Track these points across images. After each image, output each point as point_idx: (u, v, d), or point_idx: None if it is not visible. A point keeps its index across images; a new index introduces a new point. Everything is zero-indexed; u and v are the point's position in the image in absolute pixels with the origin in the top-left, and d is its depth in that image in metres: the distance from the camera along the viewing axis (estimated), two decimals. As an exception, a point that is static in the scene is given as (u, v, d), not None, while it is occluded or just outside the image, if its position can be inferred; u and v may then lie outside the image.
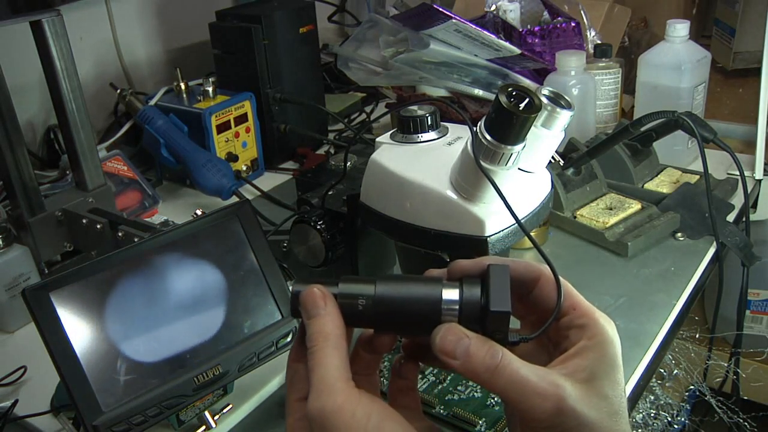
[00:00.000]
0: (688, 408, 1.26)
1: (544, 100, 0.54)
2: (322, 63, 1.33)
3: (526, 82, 1.23)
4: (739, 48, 1.42)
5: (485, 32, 1.16)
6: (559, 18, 1.27)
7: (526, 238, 0.91)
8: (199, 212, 0.83)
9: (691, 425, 1.22)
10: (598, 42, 1.25)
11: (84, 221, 0.85)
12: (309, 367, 0.40)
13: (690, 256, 0.91)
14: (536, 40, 1.25)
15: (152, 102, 1.17)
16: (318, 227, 0.70)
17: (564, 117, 0.55)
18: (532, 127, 0.53)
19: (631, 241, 0.91)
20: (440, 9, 1.16)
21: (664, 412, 1.10)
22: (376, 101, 1.47)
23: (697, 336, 1.13)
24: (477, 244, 0.57)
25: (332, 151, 1.26)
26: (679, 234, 0.95)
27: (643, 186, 1.04)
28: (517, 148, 0.49)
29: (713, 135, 0.91)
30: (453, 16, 1.15)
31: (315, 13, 1.25)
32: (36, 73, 0.87)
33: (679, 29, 1.08)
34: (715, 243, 0.92)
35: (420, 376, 0.72)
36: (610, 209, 0.97)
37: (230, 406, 0.68)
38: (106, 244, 0.83)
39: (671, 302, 0.83)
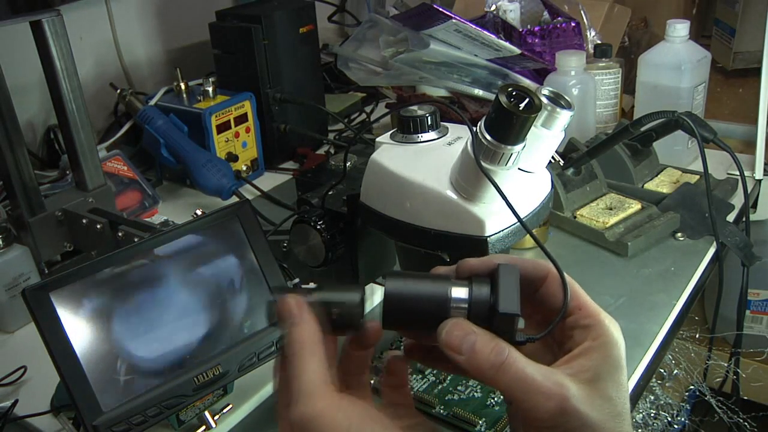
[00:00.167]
0: (688, 408, 1.26)
1: (544, 100, 0.54)
2: (322, 63, 1.33)
3: (526, 82, 1.23)
4: (739, 48, 1.42)
5: (485, 32, 1.16)
6: (559, 18, 1.27)
7: (526, 238, 0.91)
8: (199, 212, 0.83)
9: (691, 425, 1.22)
10: (598, 42, 1.25)
11: (84, 221, 0.85)
12: (289, 375, 0.41)
13: (690, 256, 0.91)
14: (536, 40, 1.25)
15: (152, 102, 1.17)
16: (318, 227, 0.70)
17: (564, 117, 0.55)
18: (532, 127, 0.53)
19: (631, 241, 0.91)
20: (440, 9, 1.16)
21: (664, 412, 1.10)
22: (376, 101, 1.47)
23: (697, 336, 1.13)
24: (477, 244, 0.57)
25: (332, 151, 1.26)
26: (679, 234, 0.95)
27: (643, 186, 1.04)
28: (517, 148, 0.49)
29: (713, 135, 0.91)
30: (453, 16, 1.15)
31: (315, 13, 1.25)
32: (36, 73, 0.87)
33: (679, 29, 1.08)
34: (715, 243, 0.92)
35: (420, 376, 0.72)
36: (610, 209, 0.97)
37: (230, 406, 0.68)
38: (106, 244, 0.83)
39: (671, 302, 0.83)
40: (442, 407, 0.68)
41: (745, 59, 1.43)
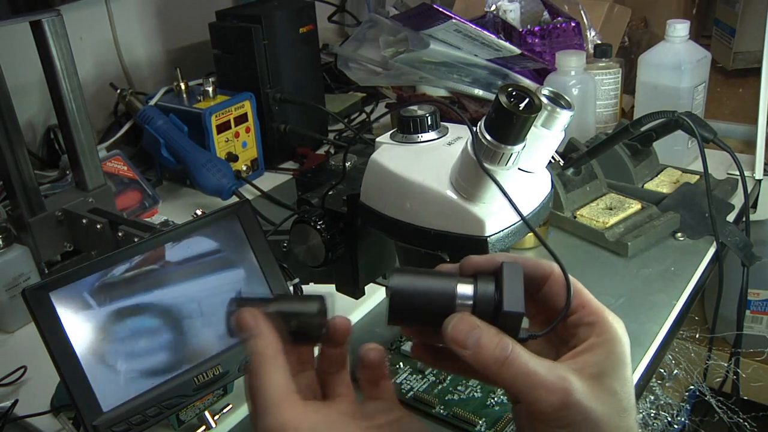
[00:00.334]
0: (688, 408, 1.26)
1: (544, 100, 0.54)
2: (322, 63, 1.33)
3: (526, 82, 1.23)
4: (739, 48, 1.42)
5: (485, 32, 1.16)
6: (559, 18, 1.27)
7: (526, 238, 0.91)
8: (199, 212, 0.83)
9: (691, 425, 1.22)
10: (598, 42, 1.25)
11: (84, 221, 0.85)
12: (251, 387, 0.41)
13: (690, 256, 0.91)
14: (536, 40, 1.25)
15: (152, 102, 1.17)
16: (318, 227, 0.69)
17: (564, 117, 0.55)
18: (532, 127, 0.53)
19: (631, 241, 0.91)
20: (440, 9, 1.16)
21: (664, 412, 1.10)
22: (376, 101, 1.47)
23: (697, 336, 1.13)
24: (477, 244, 0.57)
25: (332, 151, 1.26)
26: (679, 234, 0.95)
27: (643, 186, 1.04)
28: (517, 148, 0.49)
29: (713, 135, 0.91)
30: (453, 16, 1.15)
31: (315, 13, 1.25)
32: (36, 73, 0.87)
33: (679, 29, 1.08)
34: (715, 243, 0.92)
35: (420, 376, 0.72)
36: (610, 209, 0.97)
37: (230, 406, 0.68)
38: (106, 244, 0.83)
39: (671, 302, 0.83)
40: (442, 407, 0.68)
41: (745, 59, 1.43)
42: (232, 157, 1.15)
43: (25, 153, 0.85)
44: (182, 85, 1.19)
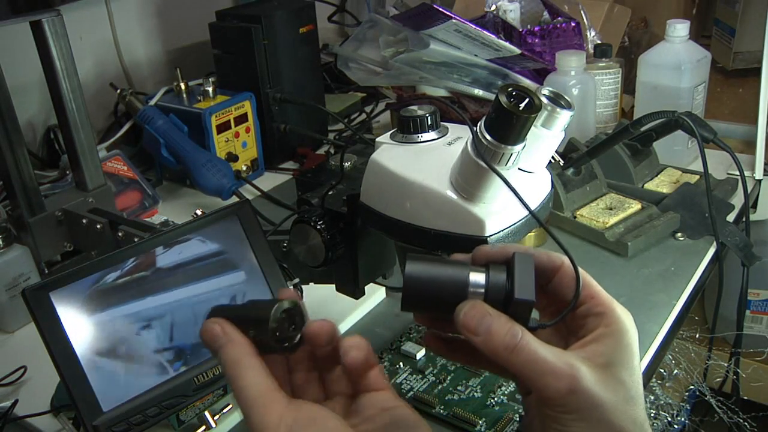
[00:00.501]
0: (688, 408, 1.26)
1: (544, 100, 0.54)
2: (322, 63, 1.33)
3: (526, 82, 1.23)
4: (739, 48, 1.42)
5: (485, 32, 1.16)
6: (559, 18, 1.27)
7: (526, 237, 0.91)
8: (199, 212, 0.83)
9: (691, 425, 1.22)
10: (598, 42, 1.25)
11: (84, 221, 0.85)
12: (234, 396, 0.41)
13: (690, 256, 0.91)
14: (536, 40, 1.25)
15: (152, 102, 1.17)
16: (318, 227, 0.69)
17: (564, 117, 0.55)
18: (532, 127, 0.53)
19: (631, 241, 0.91)
20: (440, 9, 1.16)
21: (664, 412, 1.10)
22: (376, 101, 1.47)
23: (697, 336, 1.13)
24: (477, 244, 0.57)
25: (332, 151, 1.26)
26: (679, 234, 0.95)
27: (643, 186, 1.04)
28: (517, 148, 0.49)
29: (713, 135, 0.91)
30: (453, 16, 1.15)
31: (315, 13, 1.25)
32: (36, 73, 0.87)
33: (679, 29, 1.08)
34: (715, 243, 0.92)
35: (420, 376, 0.72)
36: (610, 209, 0.97)
37: (230, 406, 0.68)
38: (106, 244, 0.83)
39: (671, 302, 0.83)
40: (442, 407, 0.68)
41: (745, 59, 1.43)
42: (232, 157, 1.15)
43: (25, 153, 0.85)
44: (182, 85, 1.19)
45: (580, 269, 0.43)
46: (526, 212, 0.61)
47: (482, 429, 0.66)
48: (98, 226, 0.83)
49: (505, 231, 0.58)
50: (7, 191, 0.86)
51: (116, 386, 0.56)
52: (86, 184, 0.91)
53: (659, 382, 1.11)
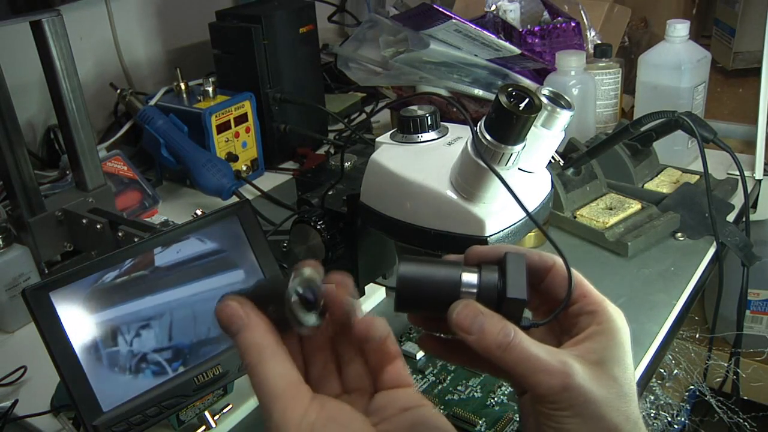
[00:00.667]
0: (688, 408, 1.26)
1: (544, 100, 0.54)
2: (322, 63, 1.33)
3: (526, 82, 1.22)
4: (739, 48, 1.42)
5: (485, 32, 1.16)
6: (559, 18, 1.27)
7: (526, 237, 0.91)
8: (199, 212, 0.83)
9: (691, 425, 1.22)
10: (598, 42, 1.25)
11: (84, 221, 0.85)
12: (253, 385, 0.39)
13: (690, 256, 0.91)
14: (536, 40, 1.25)
15: (152, 102, 1.17)
16: (318, 227, 0.70)
17: (564, 117, 0.55)
18: (532, 127, 0.53)
19: (631, 241, 0.91)
20: (440, 9, 1.16)
21: (664, 412, 1.10)
22: (376, 101, 1.47)
23: (697, 336, 1.13)
24: (477, 244, 0.57)
25: (332, 151, 1.26)
26: (679, 234, 0.95)
27: (643, 186, 1.04)
28: (517, 148, 0.49)
29: (713, 135, 0.91)
30: (453, 16, 1.15)
31: (315, 13, 1.25)
32: (36, 73, 0.87)
33: (679, 29, 1.08)
34: (715, 243, 0.92)
35: (420, 376, 0.72)
36: (610, 209, 0.97)
37: (230, 406, 0.68)
38: (106, 244, 0.83)
39: (671, 302, 0.83)
40: (442, 407, 0.68)
41: (745, 59, 1.43)
42: (232, 157, 1.15)
43: (25, 153, 0.85)
44: (182, 85, 1.19)
45: (572, 269, 0.44)
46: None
47: (482, 429, 0.66)
48: (98, 226, 0.83)
49: (504, 231, 0.58)
50: (7, 191, 0.86)
51: (116, 386, 0.56)
52: (86, 184, 0.91)
53: (659, 382, 1.11)
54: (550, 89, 0.55)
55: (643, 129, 0.94)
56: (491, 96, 1.20)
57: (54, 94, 0.86)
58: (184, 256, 0.62)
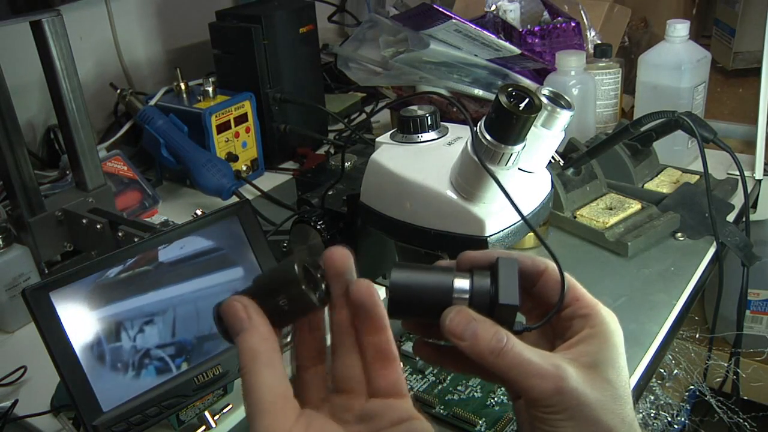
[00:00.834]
0: (688, 408, 1.26)
1: (544, 100, 0.54)
2: (322, 63, 1.33)
3: (526, 82, 1.22)
4: (739, 48, 1.42)
5: (485, 32, 1.16)
6: (559, 18, 1.27)
7: (525, 238, 0.91)
8: (199, 212, 0.83)
9: (691, 425, 1.22)
10: (598, 42, 1.25)
11: (84, 221, 0.85)
12: (243, 390, 0.38)
13: (690, 256, 0.91)
14: (536, 40, 1.25)
15: (152, 102, 1.17)
16: (318, 227, 0.70)
17: (564, 117, 0.55)
18: (532, 127, 0.53)
19: (631, 241, 0.91)
20: (440, 9, 1.16)
21: (664, 412, 1.10)
22: (376, 101, 1.47)
23: (697, 336, 1.13)
24: (477, 244, 0.57)
25: (332, 151, 1.26)
26: (679, 234, 0.95)
27: (643, 186, 1.04)
28: (517, 148, 0.49)
29: (713, 135, 0.91)
30: (453, 16, 1.15)
31: (315, 13, 1.25)
32: (36, 73, 0.87)
33: (679, 29, 1.08)
34: (715, 243, 0.92)
35: (420, 376, 0.72)
36: (610, 209, 0.97)
37: (230, 406, 0.68)
38: (106, 244, 0.83)
39: (671, 302, 0.83)
40: (442, 407, 0.68)
41: (745, 59, 1.43)
42: (232, 157, 1.15)
43: (25, 153, 0.85)
44: (182, 85, 1.19)
45: (565, 273, 0.44)
46: (526, 212, 0.61)
47: (482, 429, 0.66)
48: (98, 226, 0.83)
49: (504, 231, 0.58)
50: (7, 191, 0.86)
51: (116, 386, 0.56)
52: (86, 184, 0.91)
53: (659, 382, 1.11)
54: (550, 89, 0.55)
55: (643, 129, 0.94)
56: (491, 96, 1.20)
57: (54, 94, 0.86)
58: (187, 252, 0.62)
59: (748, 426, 1.08)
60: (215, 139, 1.13)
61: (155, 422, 0.57)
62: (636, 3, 1.40)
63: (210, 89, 1.15)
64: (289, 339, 0.43)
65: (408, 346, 0.76)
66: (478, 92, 1.20)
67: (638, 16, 1.41)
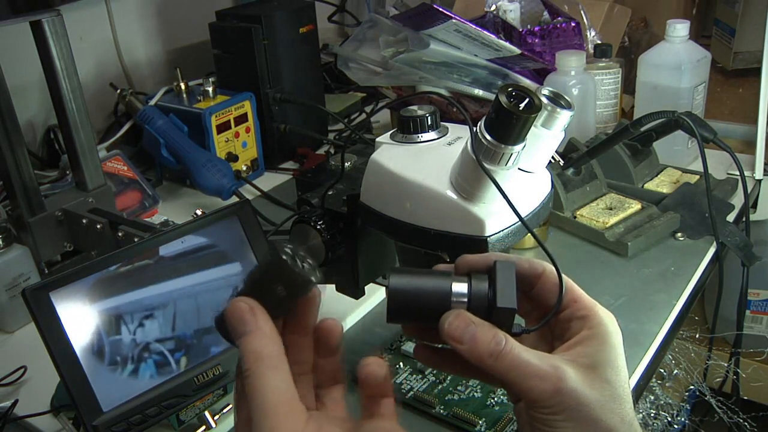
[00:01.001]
0: (688, 408, 1.26)
1: (544, 100, 0.54)
2: (322, 63, 1.33)
3: (526, 82, 1.22)
4: (739, 48, 1.42)
5: (485, 32, 1.16)
6: (559, 18, 1.27)
7: (525, 238, 0.91)
8: (199, 212, 0.83)
9: (691, 425, 1.22)
10: (598, 42, 1.25)
11: (84, 221, 0.85)
12: (247, 393, 0.37)
13: (690, 256, 0.91)
14: (536, 40, 1.25)
15: (152, 102, 1.17)
16: (318, 227, 0.69)
17: (564, 117, 0.55)
18: (532, 127, 0.53)
19: (631, 241, 0.91)
20: (440, 9, 1.16)
21: (664, 412, 1.10)
22: (376, 101, 1.47)
23: (697, 336, 1.13)
24: (477, 244, 0.57)
25: (332, 151, 1.26)
26: (679, 234, 0.95)
27: (643, 186, 1.04)
28: (517, 148, 0.49)
29: (713, 135, 0.91)
30: (453, 16, 1.15)
31: (315, 13, 1.25)
32: (36, 73, 0.87)
33: (679, 29, 1.08)
34: (715, 243, 0.92)
35: (420, 376, 0.72)
36: (610, 209, 0.97)
37: (230, 406, 0.68)
38: (106, 244, 0.83)
39: (671, 302, 0.83)
40: (442, 407, 0.68)
41: (745, 59, 1.43)
42: (232, 157, 1.15)
43: (25, 153, 0.85)
44: (182, 85, 1.19)
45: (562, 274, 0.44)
46: (526, 212, 0.61)
47: (482, 429, 0.66)
48: (98, 226, 0.83)
49: (505, 231, 0.58)
50: (7, 191, 0.86)
51: (116, 386, 0.56)
52: (86, 184, 0.91)
53: (659, 382, 1.11)
54: (550, 89, 0.55)
55: (643, 129, 0.94)
56: (491, 96, 1.20)
57: (54, 94, 0.86)
58: (188, 247, 0.62)
59: (748, 426, 1.08)
60: (215, 139, 1.13)
61: (155, 422, 0.57)
62: (636, 3, 1.40)
63: (210, 89, 1.15)
64: None
65: (408, 346, 0.76)
66: (478, 92, 1.20)
67: (638, 16, 1.41)
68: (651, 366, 0.75)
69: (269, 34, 1.16)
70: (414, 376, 0.73)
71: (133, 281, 0.59)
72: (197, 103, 1.14)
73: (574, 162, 0.98)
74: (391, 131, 0.66)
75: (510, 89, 0.46)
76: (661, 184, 1.04)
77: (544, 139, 0.57)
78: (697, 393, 1.13)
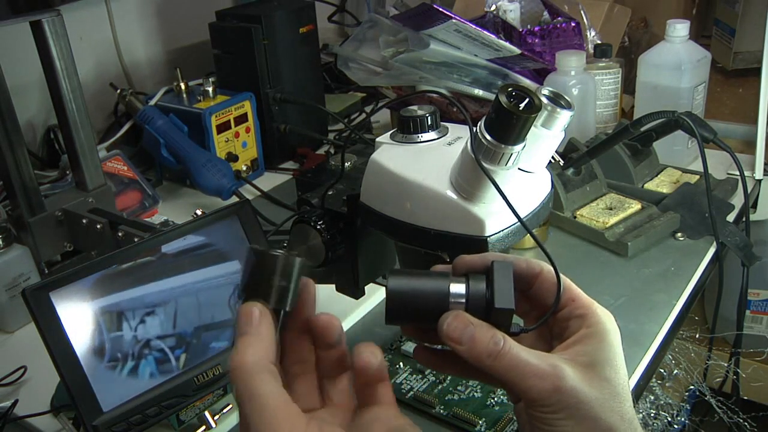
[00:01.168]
0: (688, 408, 1.26)
1: (544, 100, 0.54)
2: (322, 63, 1.33)
3: (526, 82, 1.22)
4: (739, 48, 1.42)
5: (485, 32, 1.16)
6: (559, 18, 1.27)
7: (525, 238, 0.91)
8: (199, 212, 0.83)
9: (691, 425, 1.22)
10: (598, 42, 1.25)
11: (84, 221, 0.85)
12: (243, 396, 0.38)
13: (690, 256, 0.91)
14: (536, 40, 1.25)
15: (152, 102, 1.17)
16: (318, 227, 0.69)
17: (564, 117, 0.55)
18: (532, 127, 0.53)
19: (631, 241, 0.91)
20: (440, 9, 1.16)
21: (664, 412, 1.10)
22: (376, 101, 1.47)
23: (697, 336, 1.13)
24: (477, 244, 0.57)
25: (332, 151, 1.26)
26: (679, 234, 0.95)
27: (643, 186, 1.04)
28: (517, 148, 0.49)
29: (713, 135, 0.91)
30: (453, 16, 1.15)
31: (315, 13, 1.25)
32: (36, 73, 0.87)
33: (679, 29, 1.08)
34: (715, 243, 0.92)
35: (420, 376, 0.72)
36: (610, 209, 0.97)
37: (230, 406, 0.68)
38: (106, 244, 0.83)
39: (671, 302, 0.83)
40: (442, 407, 0.68)
41: (745, 59, 1.43)
42: (232, 157, 1.15)
43: (25, 153, 0.85)
44: (182, 85, 1.19)
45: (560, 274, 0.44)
46: (526, 212, 0.61)
47: (482, 429, 0.66)
48: (98, 226, 0.83)
49: (505, 231, 0.58)
50: (7, 191, 0.86)
51: (116, 386, 0.56)
52: (86, 184, 0.91)
53: (659, 382, 1.11)
54: (550, 89, 0.55)
55: (643, 129, 0.94)
56: (491, 96, 1.20)
57: (54, 94, 0.86)
58: (190, 244, 0.62)
59: (748, 426, 1.08)
60: (215, 139, 1.13)
61: (155, 422, 0.57)
62: (636, 3, 1.40)
63: (210, 89, 1.15)
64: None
65: (408, 346, 0.76)
66: (478, 92, 1.20)
67: (638, 16, 1.41)
68: (651, 366, 0.75)
69: (269, 34, 1.16)
70: (414, 376, 0.73)
71: (135, 278, 0.59)
72: (197, 103, 1.14)
73: (574, 162, 0.98)
74: (391, 131, 0.66)
75: (510, 89, 0.46)
76: (661, 184, 1.04)
77: (544, 139, 0.57)
78: (697, 393, 1.13)
